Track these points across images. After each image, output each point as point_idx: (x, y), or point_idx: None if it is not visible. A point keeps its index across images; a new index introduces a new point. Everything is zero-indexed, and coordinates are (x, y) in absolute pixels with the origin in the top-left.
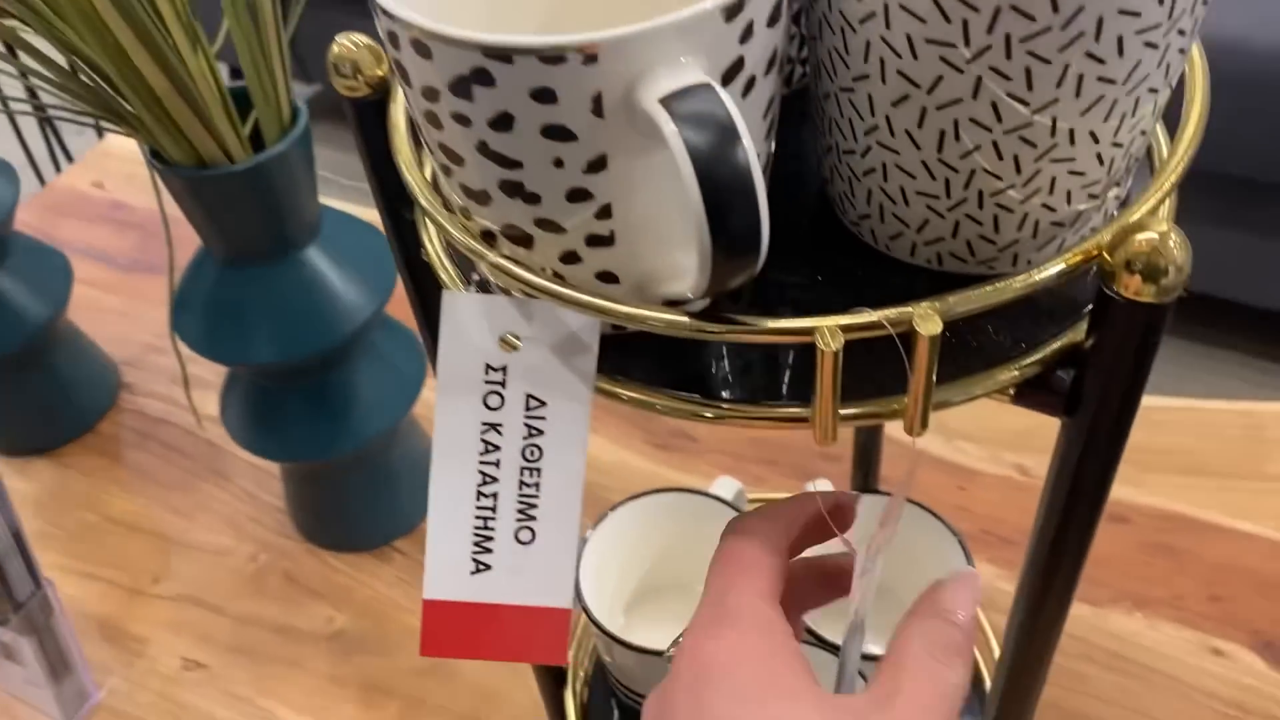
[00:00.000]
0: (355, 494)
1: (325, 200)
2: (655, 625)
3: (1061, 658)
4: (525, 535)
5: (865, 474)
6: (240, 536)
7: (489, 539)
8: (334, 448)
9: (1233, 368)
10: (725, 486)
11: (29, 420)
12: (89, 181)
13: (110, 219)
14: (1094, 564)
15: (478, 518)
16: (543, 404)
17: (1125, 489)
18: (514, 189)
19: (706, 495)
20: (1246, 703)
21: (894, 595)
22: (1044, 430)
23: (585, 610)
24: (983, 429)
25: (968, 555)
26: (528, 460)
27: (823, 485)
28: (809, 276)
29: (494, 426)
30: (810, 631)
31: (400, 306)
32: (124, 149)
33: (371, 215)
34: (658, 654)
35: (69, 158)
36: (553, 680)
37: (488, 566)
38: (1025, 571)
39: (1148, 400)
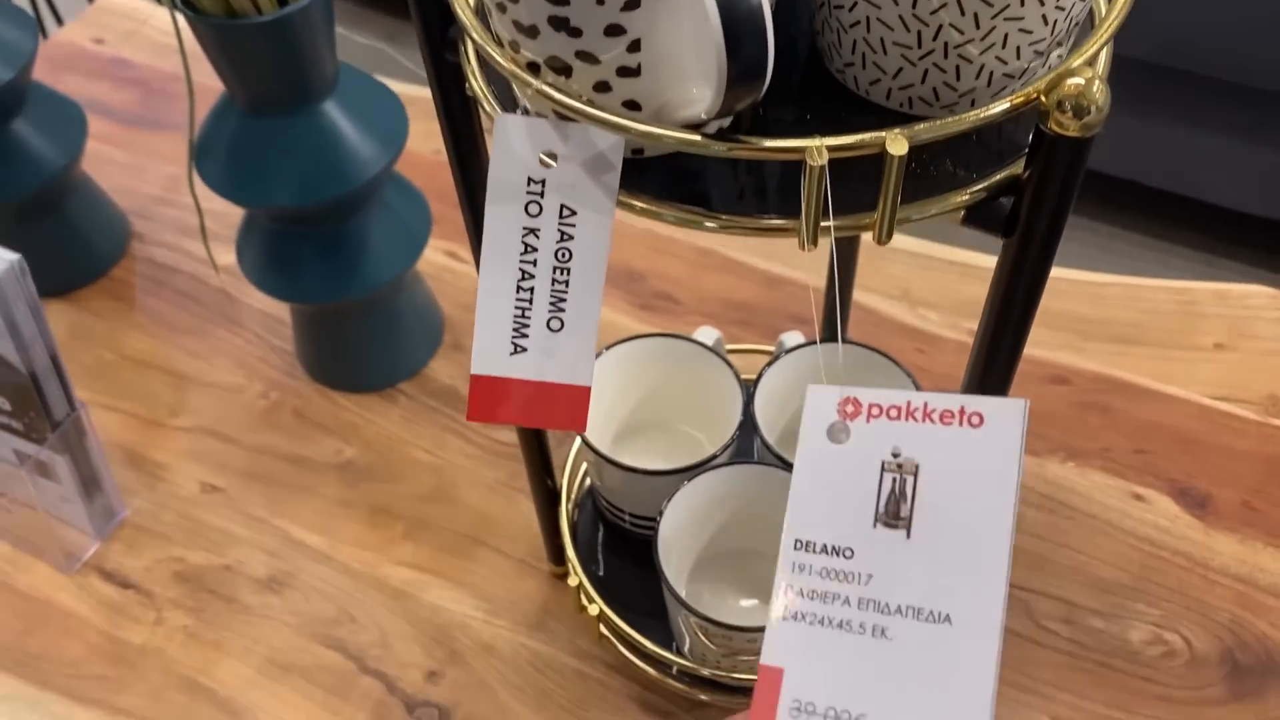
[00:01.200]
0: (363, 338)
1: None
2: (639, 455)
3: None
4: (555, 324)
5: (831, 334)
6: (252, 376)
7: (526, 326)
8: (344, 291)
9: (1178, 260)
10: (706, 334)
11: (46, 264)
12: (89, 37)
13: (111, 75)
14: (1035, 420)
15: (517, 308)
16: (573, 213)
17: (1066, 354)
18: (560, 23)
19: (689, 340)
20: (1159, 540)
21: None
22: None
23: (581, 435)
24: (943, 298)
25: None
26: (559, 261)
27: (794, 337)
28: (799, 116)
29: (533, 231)
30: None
31: (410, 167)
32: (123, 6)
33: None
34: (641, 472)
35: (58, 19)
36: (548, 500)
37: (524, 349)
38: (968, 372)
39: (1092, 276)
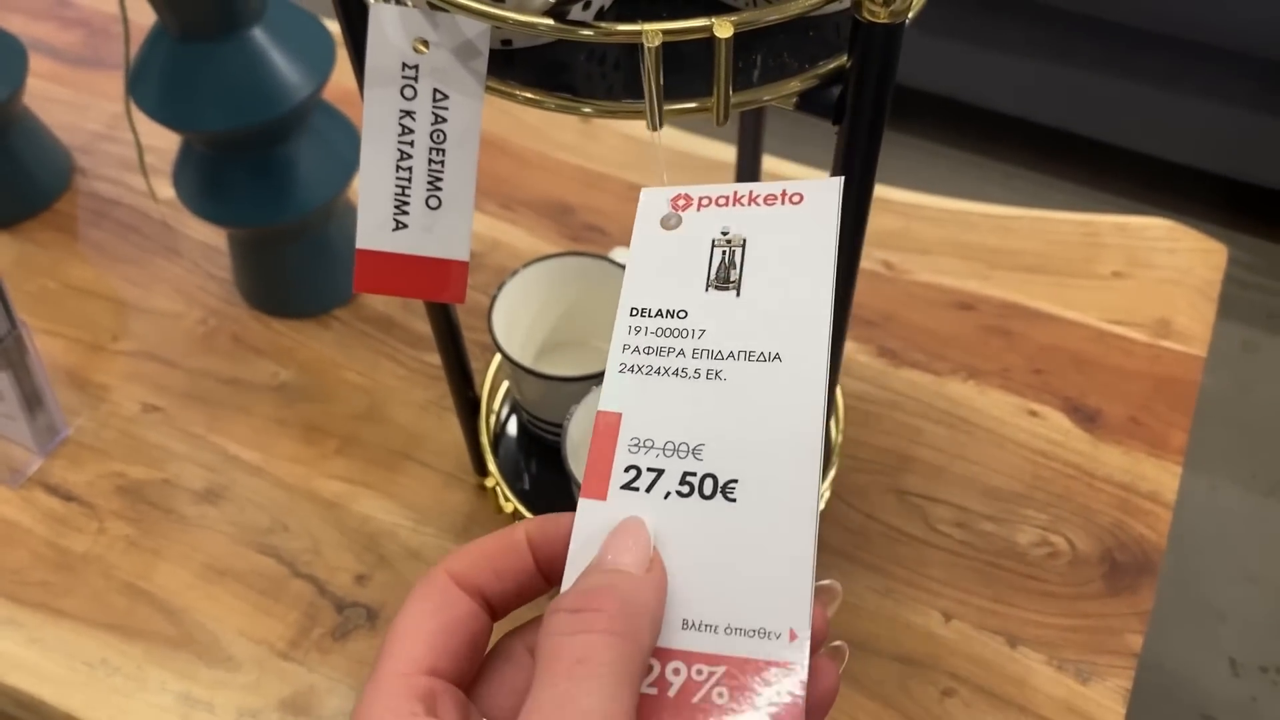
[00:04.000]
0: (297, 265)
1: None
2: (559, 369)
3: (903, 415)
4: (434, 202)
5: None
6: (191, 303)
7: (406, 204)
8: (277, 215)
9: (1076, 199)
10: (623, 254)
11: None
12: None
13: (55, 16)
14: (940, 342)
15: (397, 187)
16: (446, 97)
17: (974, 282)
18: None
19: (606, 260)
20: (1050, 452)
21: None
22: (910, 231)
23: (498, 347)
24: None
25: None
26: (435, 142)
27: None
28: (652, 16)
29: (409, 113)
30: None
31: (347, 103)
32: None
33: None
34: (555, 379)
35: None
36: (469, 410)
37: (406, 225)
38: None
39: (1002, 210)
